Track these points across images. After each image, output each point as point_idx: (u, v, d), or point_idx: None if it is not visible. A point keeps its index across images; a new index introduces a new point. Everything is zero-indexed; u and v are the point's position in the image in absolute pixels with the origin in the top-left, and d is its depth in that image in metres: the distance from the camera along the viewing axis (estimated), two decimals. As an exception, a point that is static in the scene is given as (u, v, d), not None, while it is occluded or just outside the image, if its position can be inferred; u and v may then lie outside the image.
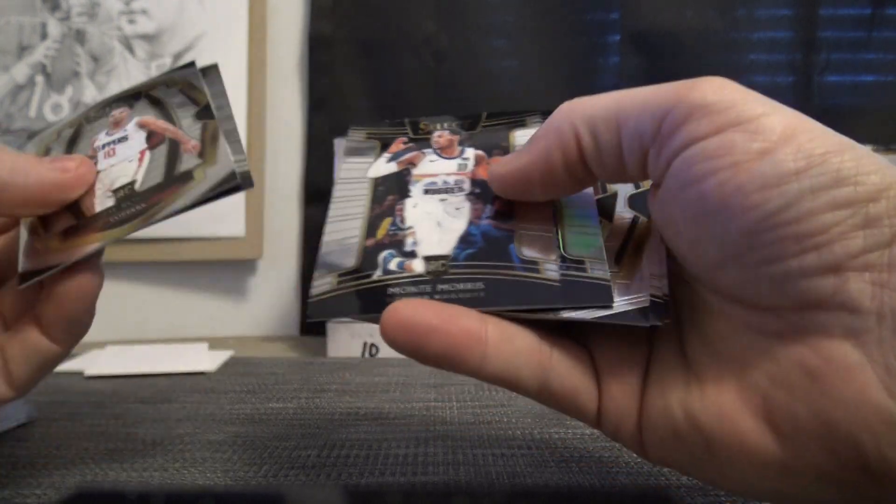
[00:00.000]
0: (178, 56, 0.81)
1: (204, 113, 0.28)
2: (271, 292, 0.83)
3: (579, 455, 0.32)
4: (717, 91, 0.19)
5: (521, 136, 0.27)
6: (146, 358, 0.57)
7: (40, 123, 0.80)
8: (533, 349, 0.22)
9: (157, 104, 0.29)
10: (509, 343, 0.21)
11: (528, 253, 0.23)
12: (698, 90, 0.19)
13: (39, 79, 0.80)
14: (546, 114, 0.24)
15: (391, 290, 0.23)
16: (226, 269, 0.82)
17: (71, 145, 0.28)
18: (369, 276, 0.23)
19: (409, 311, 0.21)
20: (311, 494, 0.14)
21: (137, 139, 0.27)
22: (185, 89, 0.29)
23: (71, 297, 0.25)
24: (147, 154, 0.27)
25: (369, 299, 0.23)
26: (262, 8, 0.81)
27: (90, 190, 0.26)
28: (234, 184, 0.25)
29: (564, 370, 0.22)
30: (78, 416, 0.39)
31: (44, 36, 0.80)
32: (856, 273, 0.17)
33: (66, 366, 0.55)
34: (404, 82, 0.80)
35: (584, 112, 0.21)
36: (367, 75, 0.81)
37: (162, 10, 0.80)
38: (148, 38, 0.81)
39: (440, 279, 0.23)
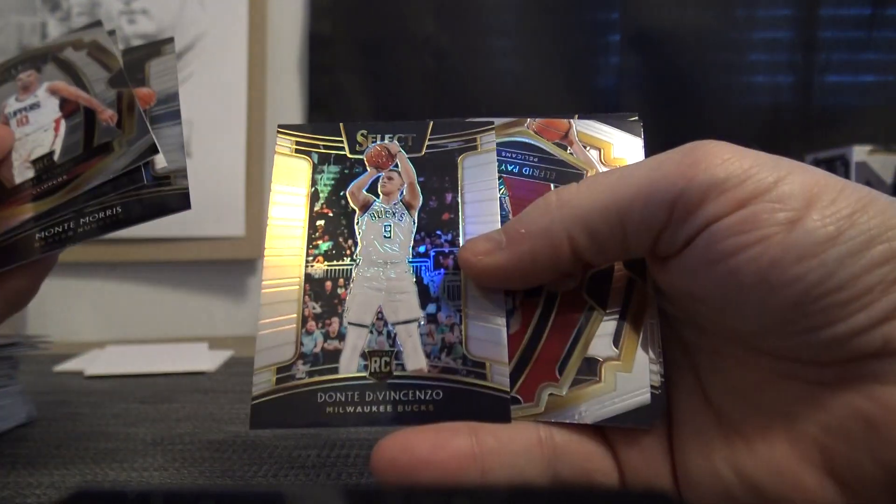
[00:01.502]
0: (178, 56, 0.81)
1: (117, 80, 0.27)
2: (271, 292, 0.83)
3: (579, 455, 0.32)
4: (724, 165, 0.18)
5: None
6: (146, 358, 0.57)
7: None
8: (533, 445, 0.20)
9: (66, 68, 0.28)
10: (507, 449, 0.20)
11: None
12: (704, 167, 0.18)
13: (39, 79, 0.81)
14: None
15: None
16: (226, 269, 0.82)
17: None
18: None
19: (398, 448, 0.19)
20: (311, 494, 0.14)
21: (50, 106, 0.27)
22: (95, 52, 0.28)
23: (12, 290, 0.25)
24: (62, 123, 0.26)
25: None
26: (262, 8, 0.81)
27: (6, 159, 0.26)
28: (153, 155, 0.24)
29: (573, 455, 0.20)
30: (78, 416, 0.39)
31: (44, 36, 0.80)
32: None
33: (66, 366, 0.55)
34: (404, 82, 0.80)
35: (576, 214, 0.20)
36: (367, 75, 0.81)
37: (162, 10, 0.80)
38: (148, 38, 0.81)
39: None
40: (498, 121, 0.24)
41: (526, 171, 0.23)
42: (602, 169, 0.23)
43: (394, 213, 0.23)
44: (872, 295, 0.17)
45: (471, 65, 0.80)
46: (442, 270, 0.22)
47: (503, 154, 0.24)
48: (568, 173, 0.23)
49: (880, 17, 0.77)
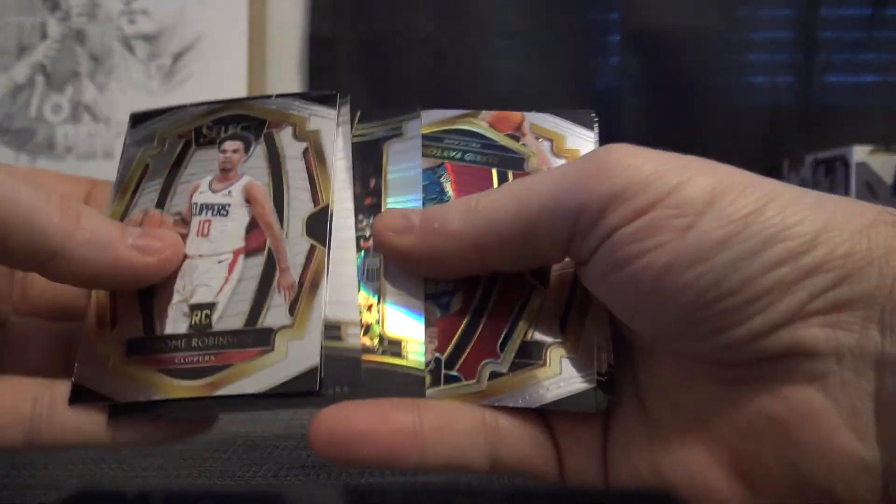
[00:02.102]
0: (178, 56, 0.81)
1: (317, 222, 0.21)
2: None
3: (579, 455, 0.32)
4: (624, 173, 0.18)
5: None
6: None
7: (40, 123, 0.81)
8: (477, 426, 0.20)
9: (273, 162, 0.23)
10: (451, 429, 0.19)
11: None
12: (605, 177, 0.18)
13: (39, 79, 0.80)
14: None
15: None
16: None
17: (168, 183, 0.23)
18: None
19: (336, 420, 0.18)
20: (311, 494, 0.14)
21: (238, 219, 0.22)
22: (311, 153, 0.22)
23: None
24: (240, 262, 0.21)
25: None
26: (262, 8, 0.81)
27: (166, 288, 0.21)
28: (311, 389, 0.19)
29: (516, 440, 0.20)
30: (78, 416, 0.39)
31: (44, 36, 0.81)
32: (803, 321, 0.16)
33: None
34: (404, 82, 0.80)
35: (486, 222, 0.19)
36: (367, 75, 0.81)
37: (162, 10, 0.80)
38: (148, 38, 0.81)
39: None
40: (451, 113, 0.25)
41: (468, 156, 0.24)
42: (552, 159, 0.24)
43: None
44: (770, 297, 0.16)
45: (471, 65, 0.80)
46: (363, 253, 0.22)
47: (446, 141, 0.24)
48: (508, 158, 0.24)
49: (880, 17, 0.77)
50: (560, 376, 0.20)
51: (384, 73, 0.80)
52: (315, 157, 0.23)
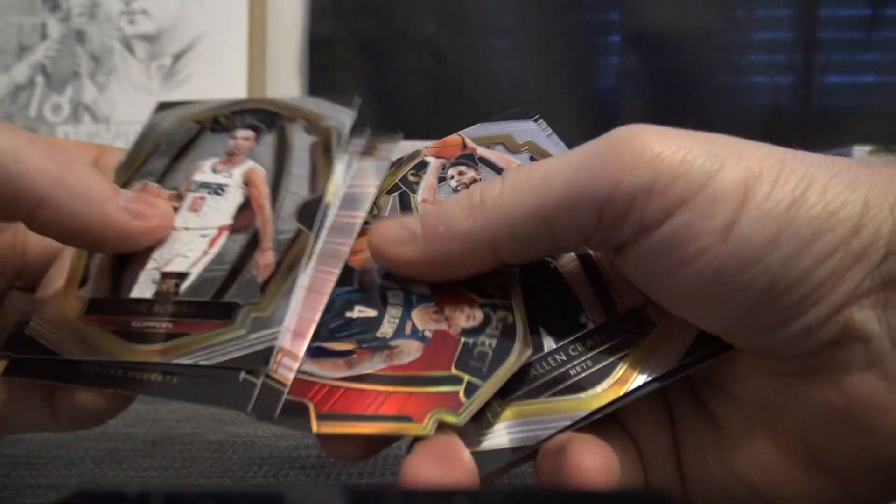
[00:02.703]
0: (178, 56, 0.81)
1: (309, 208, 0.21)
2: (271, 292, 0.83)
3: (579, 455, 0.32)
4: (652, 163, 0.17)
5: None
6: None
7: (40, 124, 0.81)
8: None
9: (282, 152, 0.23)
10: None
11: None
12: (630, 168, 0.17)
13: (39, 79, 0.80)
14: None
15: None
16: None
17: (174, 162, 0.23)
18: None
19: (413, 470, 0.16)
20: (311, 494, 0.14)
21: (232, 199, 0.22)
22: (317, 151, 0.23)
23: (75, 411, 0.20)
24: (223, 237, 0.21)
25: None
26: (262, 8, 0.81)
27: (143, 254, 0.21)
28: (260, 369, 0.18)
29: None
30: (78, 416, 0.39)
31: (44, 36, 0.81)
32: (855, 303, 0.16)
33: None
34: (404, 82, 0.80)
35: (501, 220, 0.18)
36: (367, 75, 0.81)
37: (162, 11, 0.80)
38: (148, 38, 0.81)
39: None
40: (393, 157, 0.24)
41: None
42: (510, 156, 0.23)
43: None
44: (824, 288, 0.16)
45: (471, 65, 0.80)
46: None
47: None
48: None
49: (880, 17, 0.77)
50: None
51: (384, 73, 0.80)
52: (322, 151, 0.23)
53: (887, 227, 0.16)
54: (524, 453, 0.18)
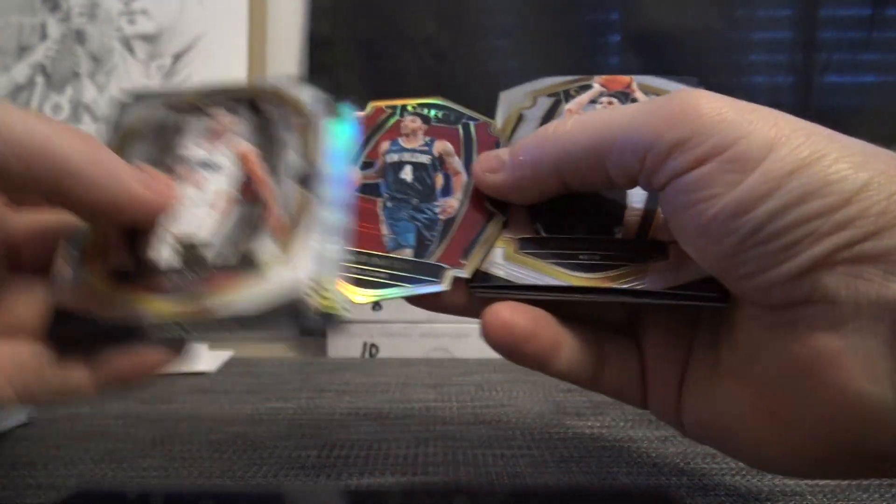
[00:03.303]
0: (178, 56, 0.81)
1: (307, 175, 0.23)
2: (271, 292, 0.83)
3: (579, 455, 0.32)
4: (693, 121, 0.19)
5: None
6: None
7: (40, 123, 0.80)
8: (595, 350, 0.24)
9: (263, 129, 0.24)
10: (580, 347, 0.23)
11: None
12: (674, 124, 0.19)
13: (39, 79, 0.80)
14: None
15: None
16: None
17: (158, 147, 0.25)
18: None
19: (508, 313, 0.22)
20: (311, 494, 0.14)
21: (230, 176, 0.24)
22: (299, 126, 0.24)
23: (121, 371, 0.22)
24: (232, 207, 0.23)
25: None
26: (262, 8, 0.81)
27: (155, 224, 0.23)
28: (298, 314, 0.20)
29: (616, 369, 0.24)
30: (78, 416, 0.39)
31: (44, 36, 0.81)
32: (828, 269, 0.18)
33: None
34: (404, 82, 0.80)
35: (563, 149, 0.22)
36: (367, 75, 0.81)
37: (162, 10, 0.80)
38: (148, 38, 0.81)
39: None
40: (562, 79, 0.29)
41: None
42: None
43: None
44: (800, 247, 0.18)
45: (471, 65, 0.80)
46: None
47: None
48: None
49: (880, 17, 0.77)
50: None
51: (384, 73, 0.80)
52: (300, 121, 0.25)
53: (878, 209, 0.17)
54: (511, 290, 0.23)
